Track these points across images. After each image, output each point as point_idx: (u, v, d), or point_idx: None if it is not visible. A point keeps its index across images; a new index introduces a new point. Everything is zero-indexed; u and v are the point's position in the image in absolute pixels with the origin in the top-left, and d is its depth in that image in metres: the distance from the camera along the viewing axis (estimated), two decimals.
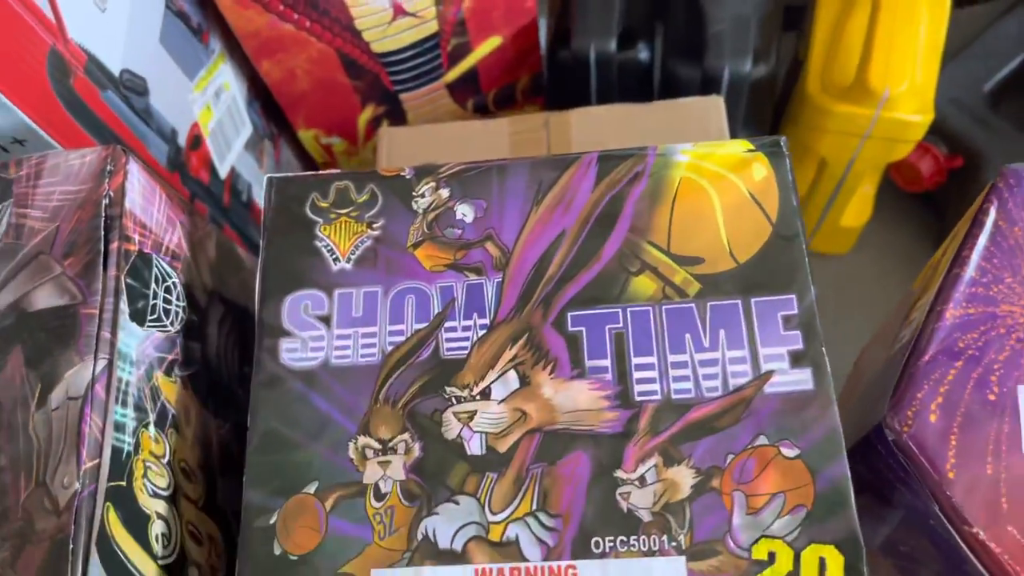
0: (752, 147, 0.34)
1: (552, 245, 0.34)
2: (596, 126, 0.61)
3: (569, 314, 0.33)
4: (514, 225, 0.34)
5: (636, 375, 0.31)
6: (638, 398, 0.31)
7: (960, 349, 0.30)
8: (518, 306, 0.33)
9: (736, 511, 0.29)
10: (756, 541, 0.28)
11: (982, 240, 0.32)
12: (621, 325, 0.32)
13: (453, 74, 0.69)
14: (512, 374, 0.32)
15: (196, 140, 0.56)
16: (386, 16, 0.60)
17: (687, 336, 0.32)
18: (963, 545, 0.28)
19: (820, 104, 0.64)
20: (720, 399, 0.31)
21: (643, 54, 0.69)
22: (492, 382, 0.32)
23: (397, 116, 0.71)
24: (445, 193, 0.35)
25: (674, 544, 0.29)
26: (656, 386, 0.31)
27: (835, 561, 0.28)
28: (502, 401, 0.31)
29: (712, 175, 0.34)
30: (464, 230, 0.35)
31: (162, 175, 0.51)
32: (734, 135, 0.68)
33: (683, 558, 0.29)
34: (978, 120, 0.74)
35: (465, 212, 0.35)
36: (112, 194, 0.34)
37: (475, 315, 0.33)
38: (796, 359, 0.31)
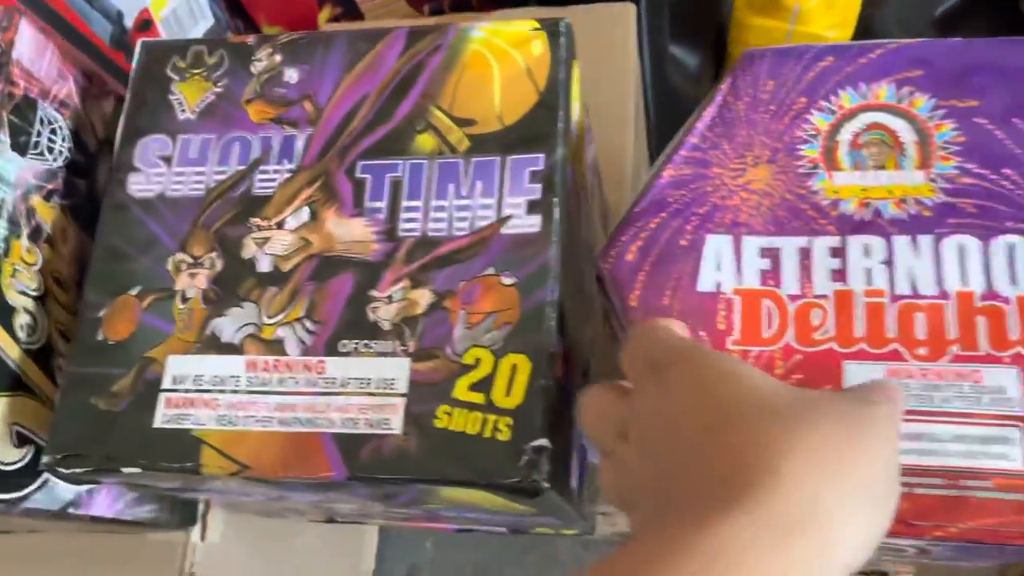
0: (537, 26, 0.39)
1: (356, 105, 0.39)
2: None
3: (359, 163, 0.38)
4: (329, 87, 0.40)
5: (403, 216, 0.37)
6: (401, 234, 0.37)
7: (669, 202, 0.35)
8: (320, 155, 0.39)
9: (458, 325, 0.35)
10: (468, 349, 0.34)
11: (710, 112, 0.36)
12: (400, 174, 0.38)
13: None
14: (305, 210, 0.38)
15: (145, 24, 0.62)
16: None
17: (451, 185, 0.37)
18: None
19: (741, 18, 0.67)
20: (465, 237, 0.36)
21: None
22: (287, 216, 0.38)
23: (355, 16, 0.76)
24: (278, 58, 0.41)
25: (403, 349, 0.35)
26: (417, 225, 0.37)
27: (524, 367, 0.33)
28: (293, 231, 0.38)
29: (497, 49, 0.39)
30: (289, 90, 0.40)
31: (105, 52, 0.58)
32: (658, 46, 0.71)
33: (408, 360, 0.35)
34: None
35: (292, 75, 0.40)
36: (2, 45, 0.41)
37: (285, 161, 0.39)
38: (531, 207, 0.36)
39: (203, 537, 0.54)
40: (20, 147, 0.41)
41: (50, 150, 0.42)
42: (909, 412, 0.30)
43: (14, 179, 0.40)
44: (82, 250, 0.44)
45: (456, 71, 0.39)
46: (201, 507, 0.55)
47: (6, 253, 0.39)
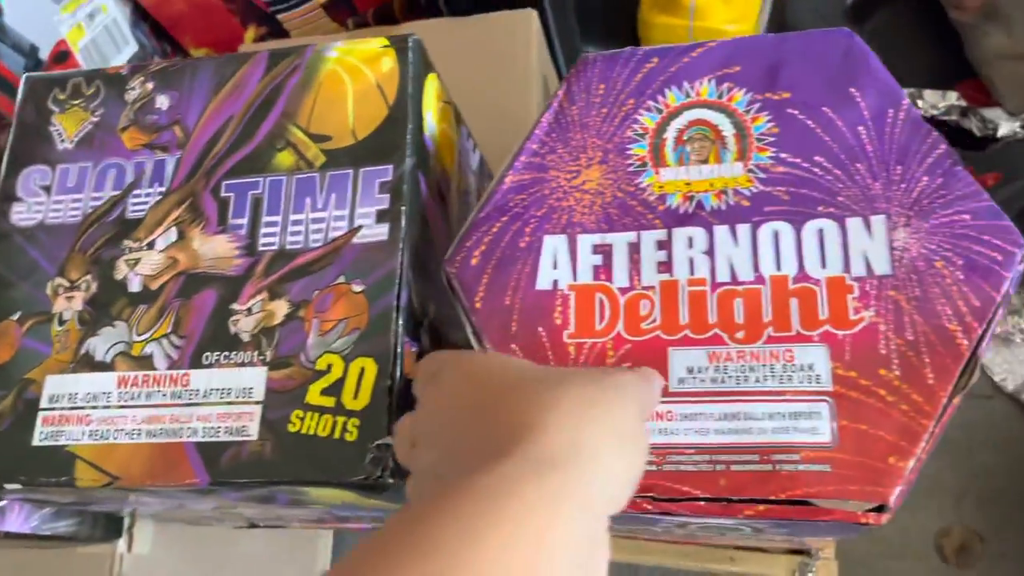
0: (387, 43, 0.41)
1: (222, 127, 0.41)
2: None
3: (224, 183, 0.40)
4: (197, 111, 0.41)
5: (263, 230, 0.39)
6: (261, 248, 0.38)
7: (510, 207, 0.36)
8: (188, 177, 0.40)
9: (311, 333, 0.36)
10: (320, 355, 0.36)
11: (547, 117, 0.37)
12: (261, 191, 0.39)
13: None
14: (173, 230, 0.40)
15: (62, 55, 0.64)
16: None
17: (307, 199, 0.39)
18: None
19: (645, 17, 0.68)
20: (320, 248, 0.38)
21: None
22: (157, 236, 0.40)
23: (280, 34, 0.78)
24: (150, 86, 0.43)
25: (261, 358, 0.36)
26: (276, 239, 0.38)
27: (371, 369, 0.35)
28: (162, 251, 0.39)
29: (350, 67, 0.40)
30: (160, 116, 0.42)
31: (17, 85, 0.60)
32: (571, 47, 0.72)
33: (265, 369, 0.36)
34: None
35: (162, 101, 0.42)
36: None
37: (156, 184, 0.41)
38: (380, 216, 0.38)
39: (130, 548, 0.56)
40: None
41: None
42: (728, 393, 0.32)
43: None
44: None
45: (313, 90, 0.41)
46: (127, 520, 0.56)
47: None
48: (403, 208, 0.37)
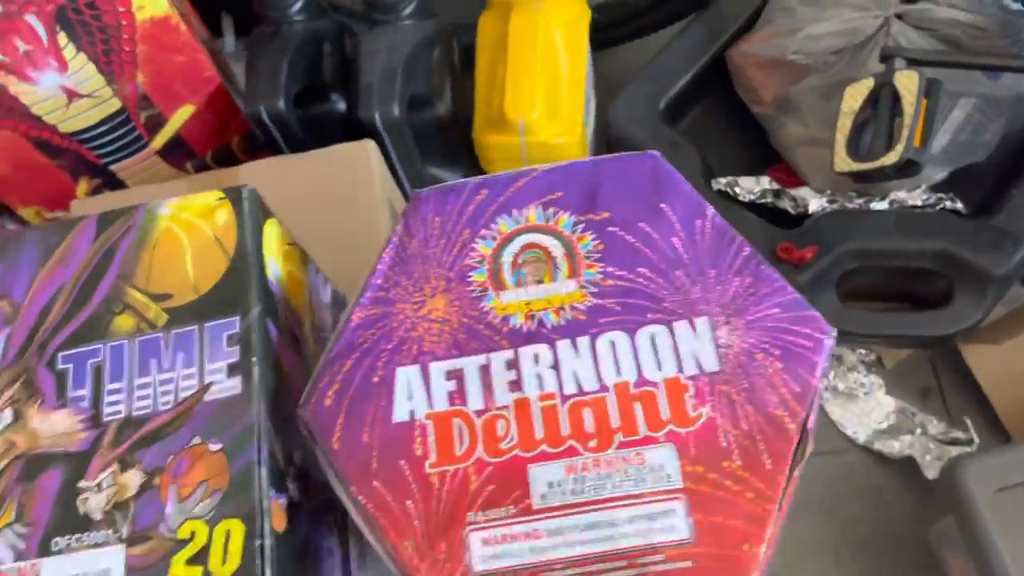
0: (222, 196, 0.41)
1: (52, 297, 0.40)
2: (260, 178, 0.67)
3: (60, 354, 0.39)
4: (25, 283, 0.40)
5: (107, 399, 0.37)
6: (106, 419, 0.37)
7: (360, 344, 0.37)
8: (20, 352, 0.39)
9: (169, 501, 0.35)
10: (181, 524, 0.35)
11: (388, 253, 0.39)
12: (101, 358, 0.38)
13: (158, 142, 0.75)
14: (8, 411, 0.38)
15: None
16: (61, 100, 0.66)
17: (152, 361, 0.38)
18: (349, 503, 0.35)
19: (480, 138, 0.72)
20: (170, 411, 0.37)
21: (340, 105, 0.75)
22: None
23: (115, 184, 0.77)
24: None
25: (117, 535, 0.35)
26: (122, 406, 0.37)
27: (238, 531, 0.34)
28: None
29: (186, 223, 0.41)
30: None
31: None
32: (415, 170, 0.75)
33: (123, 546, 0.35)
34: (654, 134, 0.80)
35: None
36: None
37: None
38: (231, 370, 0.37)
39: None
40: None
41: None
42: (589, 503, 0.33)
43: None
44: None
45: (148, 249, 0.40)
46: None
47: None
48: (254, 359, 0.37)
